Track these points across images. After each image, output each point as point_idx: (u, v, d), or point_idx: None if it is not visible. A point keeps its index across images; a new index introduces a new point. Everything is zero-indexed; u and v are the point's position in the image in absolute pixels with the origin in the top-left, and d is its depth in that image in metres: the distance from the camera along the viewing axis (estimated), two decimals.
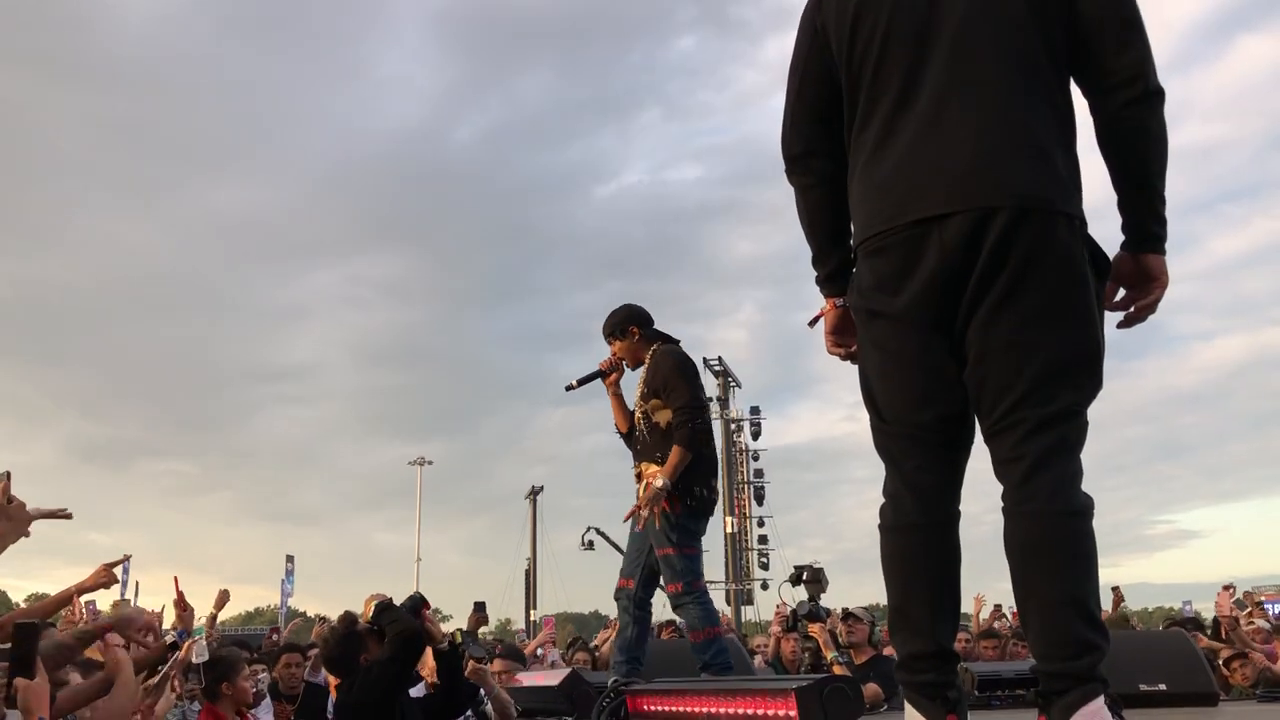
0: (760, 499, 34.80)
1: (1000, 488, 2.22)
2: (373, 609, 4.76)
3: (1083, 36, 2.22)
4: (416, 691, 5.17)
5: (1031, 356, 2.15)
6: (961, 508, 2.36)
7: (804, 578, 7.28)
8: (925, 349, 2.26)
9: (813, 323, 2.69)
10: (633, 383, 5.09)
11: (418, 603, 4.94)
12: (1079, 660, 2.03)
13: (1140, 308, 2.34)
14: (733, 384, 35.93)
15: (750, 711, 2.48)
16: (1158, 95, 2.22)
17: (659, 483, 4.60)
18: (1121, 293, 2.35)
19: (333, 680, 5.10)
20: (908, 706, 2.25)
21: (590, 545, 14.59)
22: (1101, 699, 2.02)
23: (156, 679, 4.06)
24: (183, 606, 4.49)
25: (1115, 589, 11.10)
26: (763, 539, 34.53)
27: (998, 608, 11.81)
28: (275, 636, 12.85)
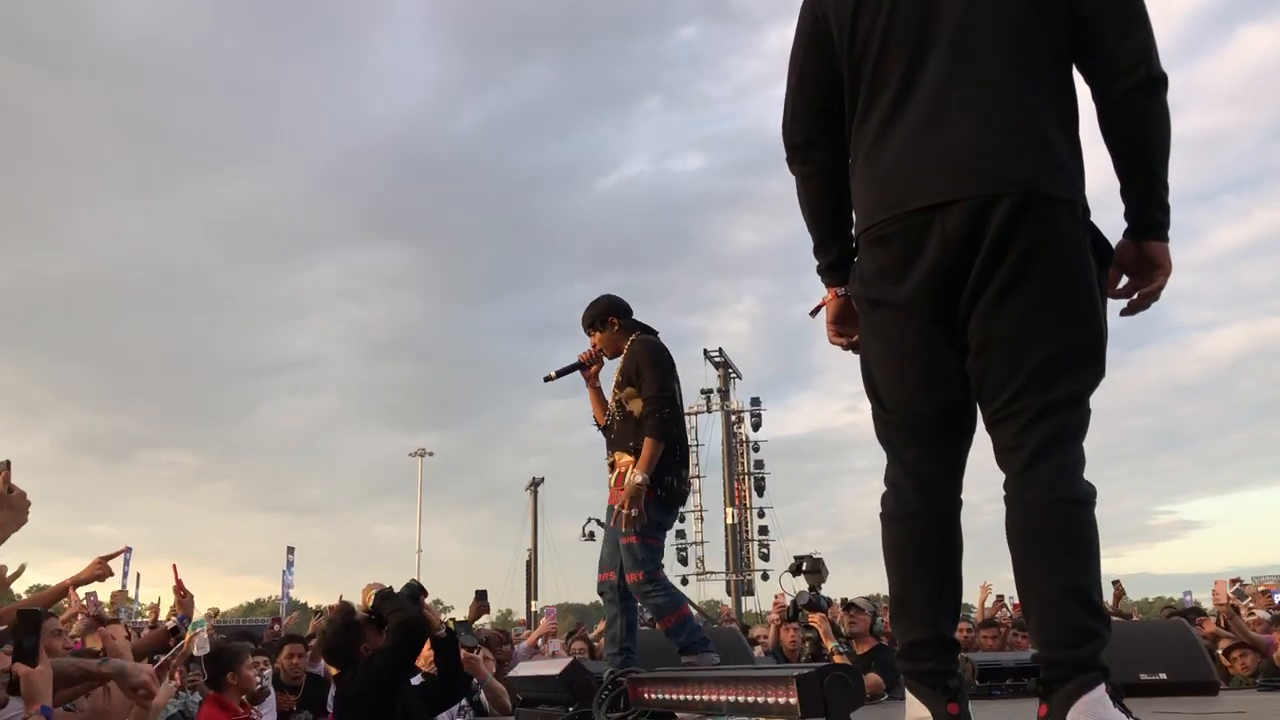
0: (761, 490, 34.86)
1: (1002, 477, 2.21)
2: (372, 597, 4.74)
3: (1084, 22, 2.21)
4: (413, 680, 5.16)
5: (1033, 345, 2.14)
6: (963, 497, 2.36)
7: (804, 568, 7.29)
8: (927, 338, 2.25)
9: (814, 312, 2.69)
10: (612, 375, 5.09)
11: (415, 590, 4.91)
12: (1080, 648, 2.03)
13: (1144, 295, 2.33)
14: (733, 375, 35.96)
15: (751, 699, 2.48)
16: (1161, 81, 2.21)
17: (637, 478, 4.60)
18: (1125, 280, 2.34)
19: (333, 671, 5.10)
20: (908, 695, 2.25)
21: (591, 536, 14.46)
22: (1102, 687, 2.01)
23: (158, 667, 4.07)
24: (181, 593, 4.50)
25: (1116, 583, 11.11)
26: (763, 530, 34.59)
27: (1000, 598, 11.84)
28: (276, 627, 12.90)
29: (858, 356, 2.49)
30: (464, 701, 5.59)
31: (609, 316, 5.08)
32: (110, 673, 3.43)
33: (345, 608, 4.96)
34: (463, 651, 5.24)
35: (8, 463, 3.43)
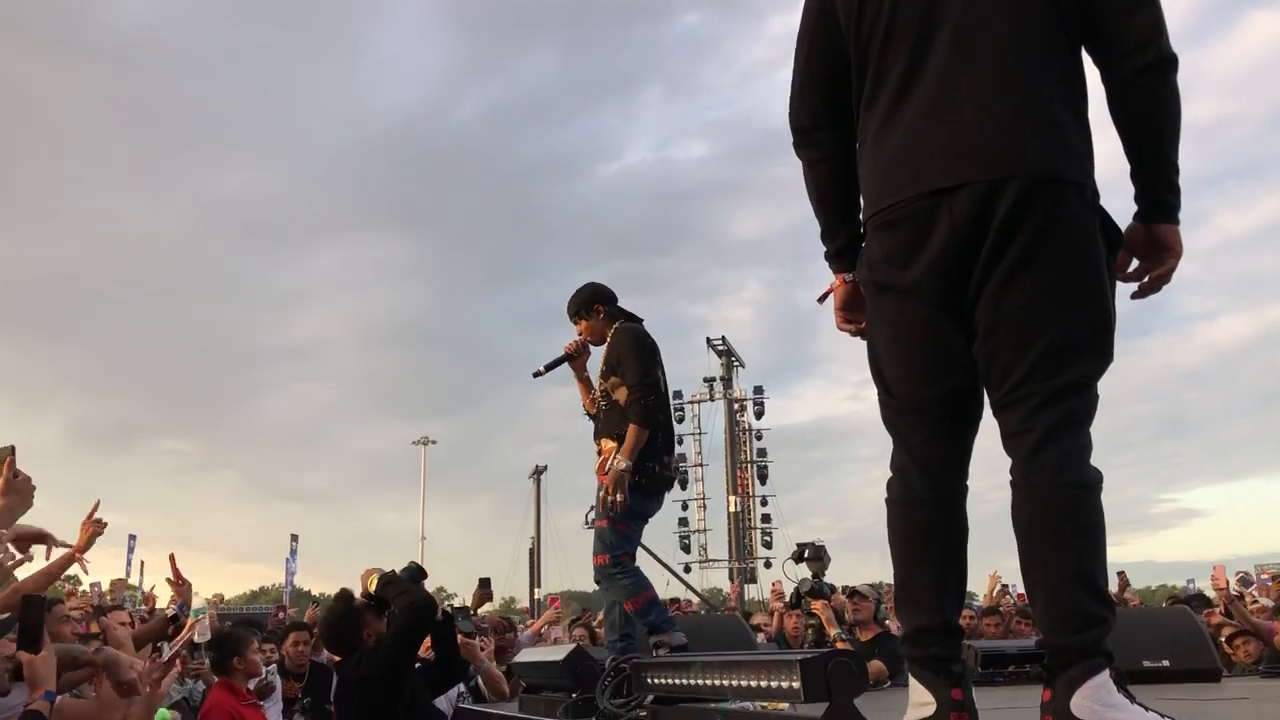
0: (764, 478, 34.91)
1: (1006, 463, 2.21)
2: (376, 582, 4.73)
3: (1093, 2, 2.19)
4: None
5: (1041, 329, 2.13)
6: (968, 484, 2.35)
7: (806, 555, 7.32)
8: (935, 323, 2.24)
9: (822, 299, 2.67)
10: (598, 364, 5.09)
11: (415, 572, 4.90)
12: (1084, 634, 2.02)
13: (1154, 278, 2.32)
14: (736, 363, 35.97)
15: (754, 684, 2.48)
16: (1170, 62, 2.19)
17: (621, 464, 4.60)
18: (1135, 263, 2.32)
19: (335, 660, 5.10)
20: (912, 680, 2.24)
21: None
22: (1106, 673, 2.01)
23: (165, 655, 4.08)
24: (179, 580, 4.50)
25: (1120, 573, 11.12)
26: (766, 518, 34.65)
27: (1005, 587, 11.85)
28: (281, 615, 12.94)
29: (863, 343, 2.48)
30: (463, 688, 5.60)
31: (594, 304, 5.09)
32: (100, 662, 3.44)
33: (344, 595, 4.94)
34: (460, 637, 5.25)
35: (12, 448, 3.44)
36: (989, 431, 2.34)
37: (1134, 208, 2.29)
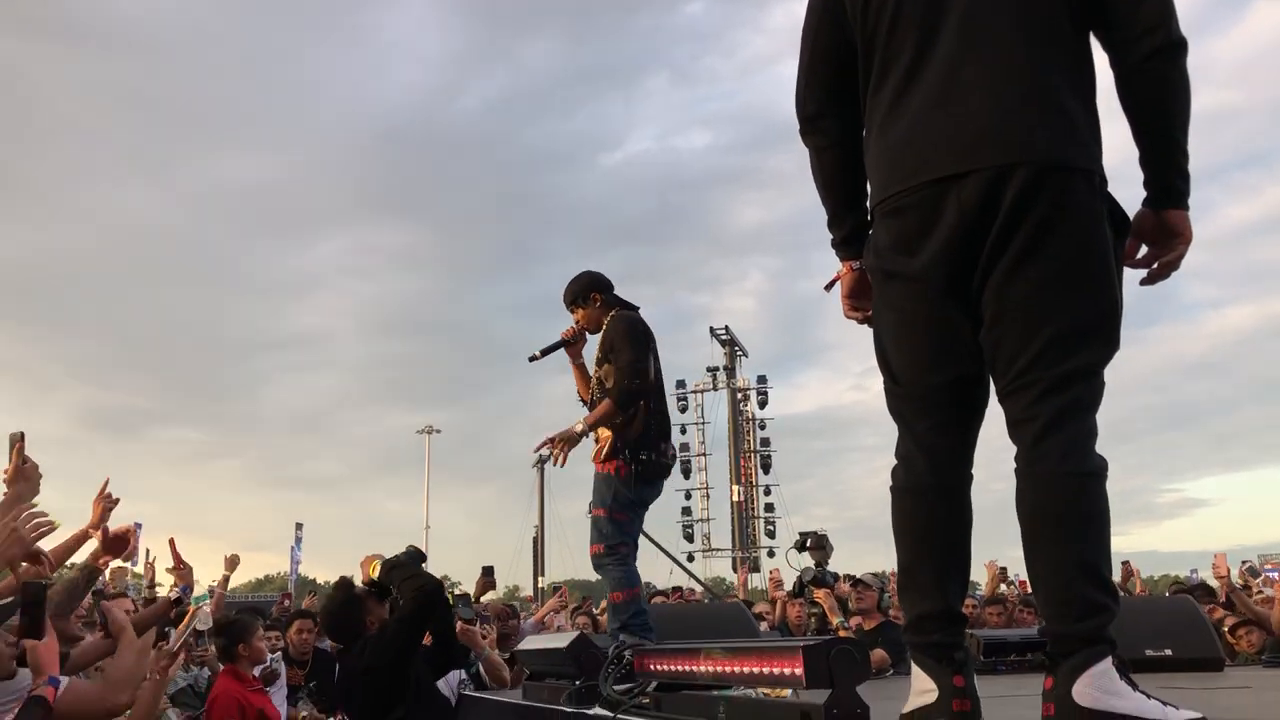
0: (767, 468, 35.00)
1: (1008, 453, 2.21)
2: (380, 568, 4.72)
3: None
4: None
5: (1047, 316, 2.12)
6: (973, 472, 2.35)
7: (809, 544, 7.32)
8: (941, 310, 2.24)
9: (829, 287, 2.67)
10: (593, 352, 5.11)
11: (415, 556, 4.89)
12: (1086, 621, 2.02)
13: (1163, 265, 2.31)
14: (739, 353, 36.00)
15: (757, 670, 2.49)
16: (1179, 46, 2.17)
17: (578, 428, 4.65)
18: (1143, 250, 2.31)
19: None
20: (914, 668, 2.24)
21: None
22: (1109, 660, 2.01)
23: (172, 643, 4.09)
24: (179, 564, 4.52)
25: (1125, 563, 11.13)
26: (769, 507, 34.76)
27: (1004, 570, 11.86)
28: (286, 602, 12.99)
29: (867, 332, 2.48)
30: (464, 675, 5.62)
31: (590, 292, 5.09)
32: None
33: (345, 583, 4.94)
34: (460, 624, 5.26)
35: (21, 434, 3.44)
36: (989, 421, 2.34)
37: (1141, 196, 2.28)
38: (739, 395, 35.35)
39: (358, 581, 4.88)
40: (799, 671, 2.26)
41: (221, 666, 6.24)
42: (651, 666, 3.13)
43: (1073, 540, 2.07)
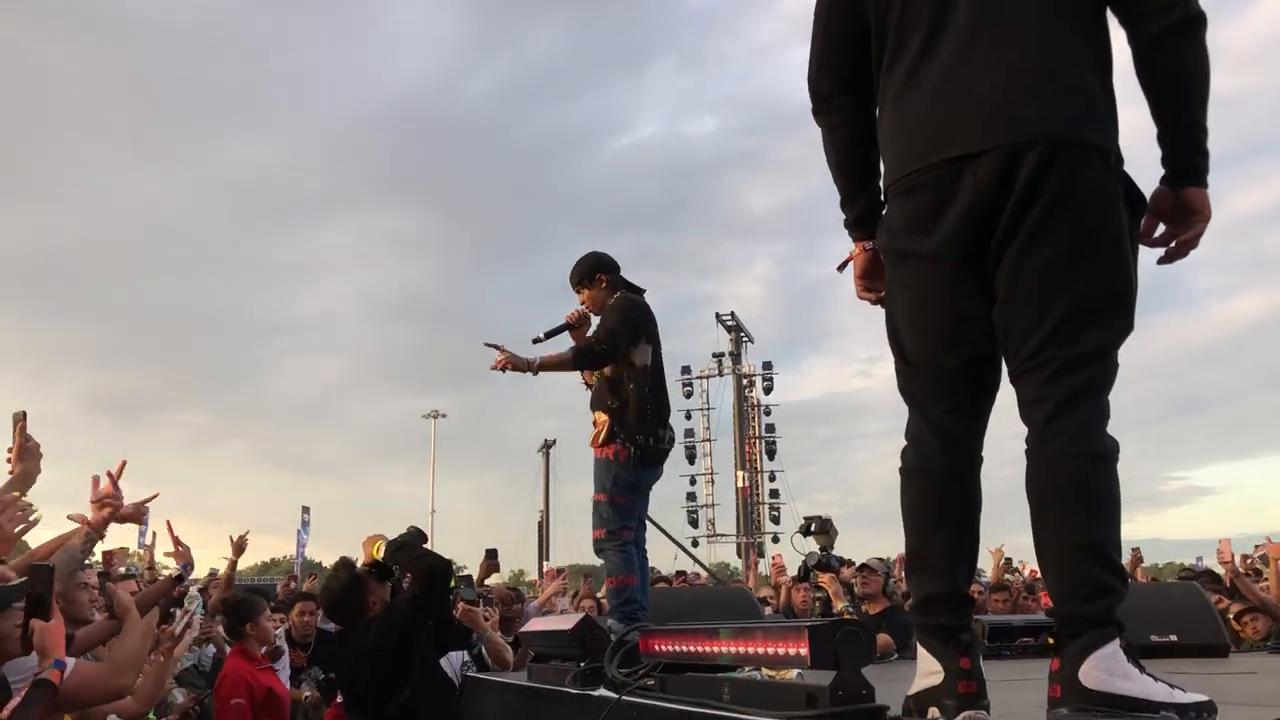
0: (772, 454, 35.06)
1: (1012, 440, 2.19)
2: (384, 548, 4.69)
3: None
4: None
5: (1060, 295, 2.10)
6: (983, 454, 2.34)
7: (813, 529, 7.31)
8: (955, 290, 2.22)
9: (841, 267, 2.65)
10: None
11: (417, 536, 4.87)
12: (1094, 603, 2.01)
13: (1181, 243, 2.28)
14: (745, 339, 36.00)
15: (763, 650, 2.48)
16: (1198, 21, 2.14)
17: (534, 361, 4.68)
18: (1161, 228, 2.29)
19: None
20: (920, 650, 2.24)
21: None
22: (1116, 642, 2.00)
23: (177, 628, 4.10)
24: (178, 545, 4.52)
25: (1135, 550, 11.10)
26: (774, 493, 34.81)
27: (1008, 561, 11.87)
28: (292, 584, 13.04)
29: (872, 320, 2.46)
30: (467, 656, 5.62)
31: (596, 273, 5.08)
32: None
33: (346, 564, 4.90)
34: (461, 604, 5.26)
35: (23, 413, 3.45)
36: (999, 408, 2.33)
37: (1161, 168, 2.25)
38: (744, 381, 35.37)
39: (359, 562, 4.86)
40: (804, 652, 2.25)
41: (227, 645, 6.30)
42: (656, 648, 3.13)
43: (1082, 521, 2.05)
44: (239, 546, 7.09)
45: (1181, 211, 2.24)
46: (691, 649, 2.89)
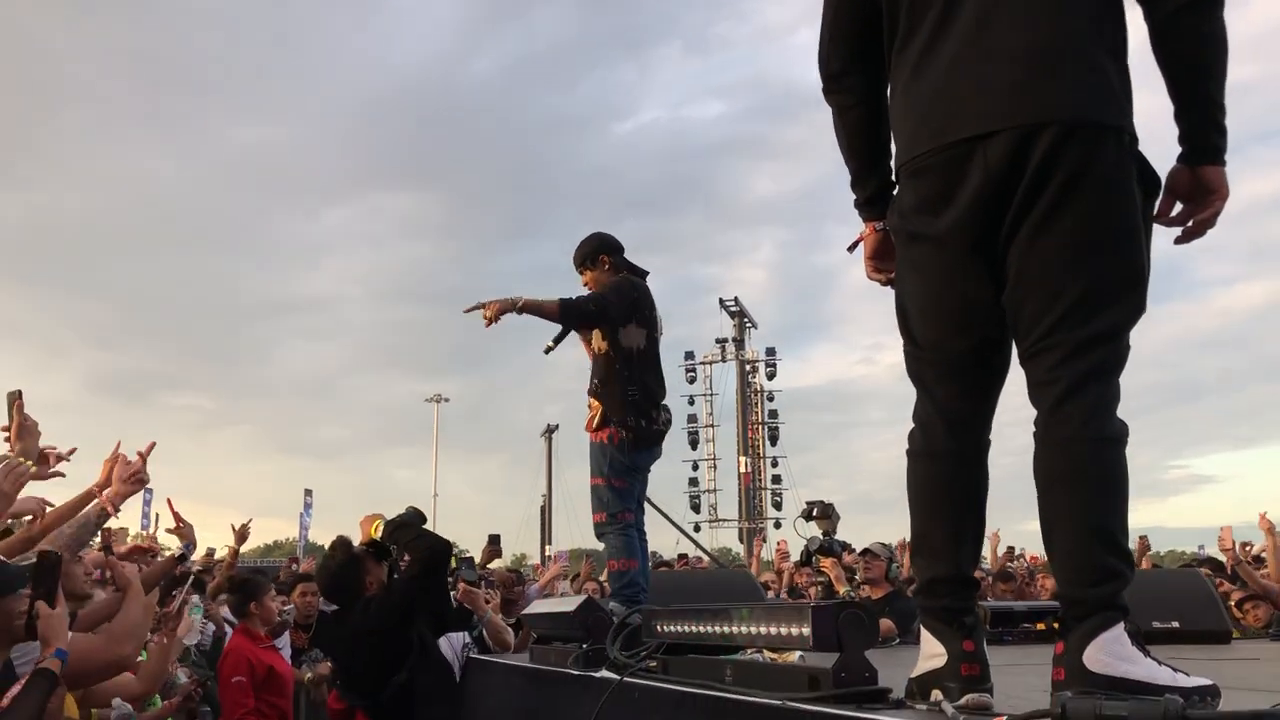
0: (774, 440, 35.08)
1: (1014, 427, 2.18)
2: (382, 528, 4.67)
3: None
4: None
5: (1071, 277, 2.08)
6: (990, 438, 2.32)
7: (815, 513, 7.31)
8: (965, 272, 2.20)
9: (852, 248, 2.63)
10: None
11: (418, 516, 4.85)
12: (1100, 587, 2.00)
13: (1198, 223, 2.26)
14: (749, 324, 35.96)
15: (765, 630, 2.48)
16: None
17: (517, 300, 4.66)
18: (1178, 207, 2.26)
19: None
20: (924, 632, 2.23)
21: None
22: (1121, 626, 1.99)
23: (174, 606, 4.10)
24: (180, 523, 4.52)
25: (1142, 538, 11.11)
26: (776, 479, 34.84)
27: (1010, 550, 11.89)
28: (294, 567, 13.07)
29: (877, 304, 2.45)
30: (468, 638, 5.63)
31: (599, 255, 5.06)
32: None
33: (343, 543, 4.84)
34: (462, 586, 5.26)
35: (19, 392, 3.44)
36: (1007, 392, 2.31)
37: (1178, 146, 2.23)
38: (747, 367, 35.35)
39: (356, 542, 4.84)
40: (807, 632, 2.25)
41: (227, 625, 6.33)
42: (659, 629, 3.13)
43: (1090, 505, 2.04)
44: (241, 535, 7.09)
45: (1199, 191, 2.22)
46: (694, 629, 2.89)
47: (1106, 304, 2.09)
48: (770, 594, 8.31)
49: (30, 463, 3.34)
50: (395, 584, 4.59)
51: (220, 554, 8.47)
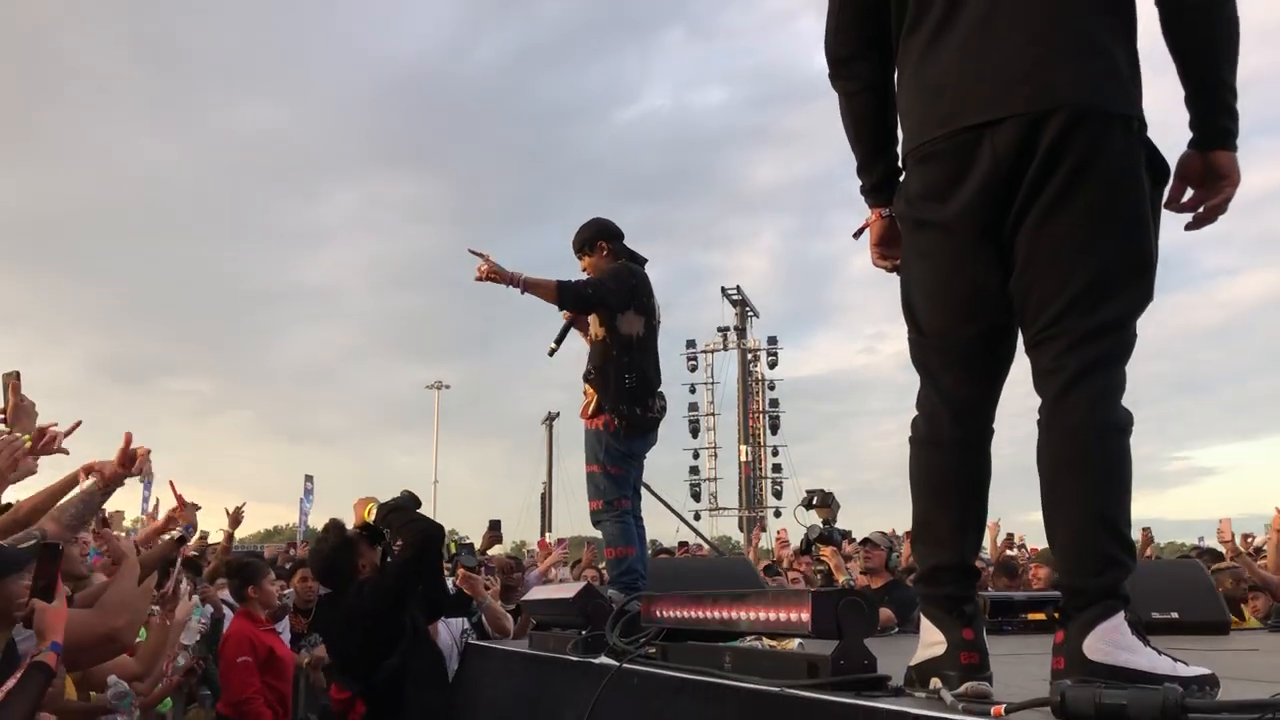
0: (775, 428, 35.09)
1: (1015, 417, 2.17)
2: (375, 511, 4.66)
3: None
4: None
5: (1078, 265, 2.07)
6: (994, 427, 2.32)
7: (815, 502, 7.31)
8: (972, 259, 2.19)
9: (858, 234, 2.62)
10: None
11: (412, 500, 4.84)
12: (1102, 576, 2.00)
13: (1209, 209, 2.24)
14: (751, 313, 35.94)
15: (765, 615, 2.48)
16: None
17: (519, 276, 4.68)
18: (1189, 193, 2.25)
19: None
20: (924, 621, 2.23)
21: None
22: (1121, 615, 1.99)
23: (170, 586, 4.10)
24: (181, 505, 4.52)
25: (1145, 529, 11.11)
26: (776, 468, 34.84)
27: (1010, 536, 11.89)
28: (292, 551, 13.08)
29: (879, 294, 2.44)
30: (467, 624, 5.63)
31: (598, 240, 5.04)
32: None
33: (336, 526, 4.84)
34: (461, 571, 5.26)
35: (16, 373, 3.43)
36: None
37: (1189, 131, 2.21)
38: (749, 356, 35.35)
39: (349, 525, 4.82)
40: (805, 618, 2.24)
41: (225, 608, 6.34)
42: (658, 615, 3.13)
43: (1093, 494, 2.03)
44: (235, 519, 7.10)
45: (1210, 176, 2.21)
46: (694, 614, 2.88)
47: (1114, 292, 2.08)
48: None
49: (26, 436, 3.32)
50: (388, 567, 4.58)
51: (215, 538, 8.46)
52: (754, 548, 15.51)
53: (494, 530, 8.20)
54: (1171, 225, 2.23)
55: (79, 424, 3.73)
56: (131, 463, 3.49)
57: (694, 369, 34.90)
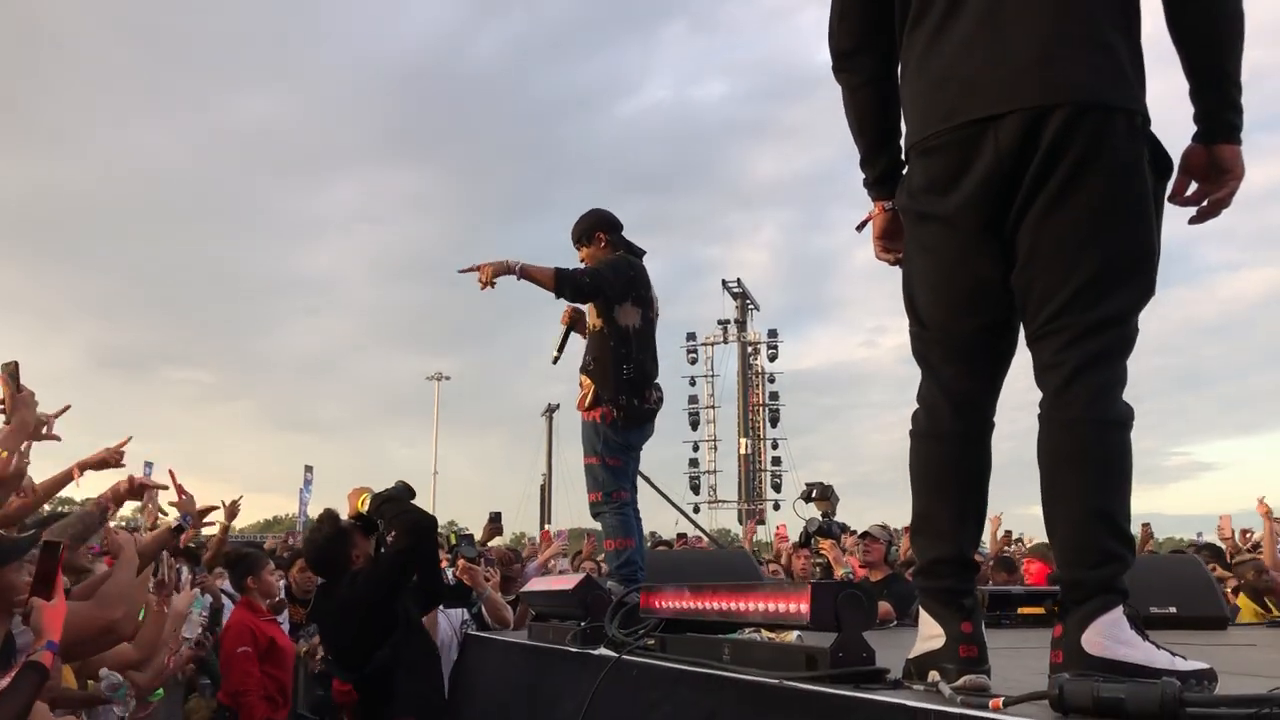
0: (775, 421, 35.11)
1: (1015, 410, 2.17)
2: (368, 501, 4.66)
3: None
4: None
5: (1080, 259, 2.07)
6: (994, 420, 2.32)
7: (814, 495, 7.32)
8: (974, 253, 2.19)
9: (860, 227, 2.62)
10: None
11: (406, 490, 4.83)
12: (1100, 570, 2.00)
13: (1213, 203, 2.24)
14: (751, 306, 35.94)
15: (764, 606, 2.48)
16: None
17: (515, 263, 4.67)
18: (1193, 187, 2.25)
19: None
20: (923, 614, 2.23)
21: None
22: (1120, 609, 1.99)
23: (163, 572, 4.10)
24: (181, 494, 4.52)
25: (1145, 525, 11.12)
26: (776, 461, 34.87)
27: (1008, 534, 11.90)
28: (290, 541, 13.10)
29: (879, 287, 2.45)
30: (467, 615, 5.63)
31: (596, 231, 5.03)
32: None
33: (330, 516, 4.83)
34: (461, 563, 5.26)
35: (15, 363, 3.42)
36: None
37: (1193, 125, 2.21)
38: (749, 348, 35.35)
39: (344, 515, 4.82)
40: (804, 609, 2.25)
41: (224, 597, 6.35)
42: (657, 604, 3.13)
43: (1092, 488, 2.04)
44: (231, 511, 7.09)
45: (1214, 170, 2.20)
46: (693, 605, 2.89)
47: (1116, 286, 2.08)
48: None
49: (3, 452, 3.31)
50: (381, 558, 4.57)
51: (210, 530, 8.45)
52: (749, 540, 15.51)
53: (495, 522, 8.20)
54: (1173, 220, 2.23)
55: (68, 407, 3.74)
56: (141, 494, 3.51)
57: (694, 362, 34.93)
